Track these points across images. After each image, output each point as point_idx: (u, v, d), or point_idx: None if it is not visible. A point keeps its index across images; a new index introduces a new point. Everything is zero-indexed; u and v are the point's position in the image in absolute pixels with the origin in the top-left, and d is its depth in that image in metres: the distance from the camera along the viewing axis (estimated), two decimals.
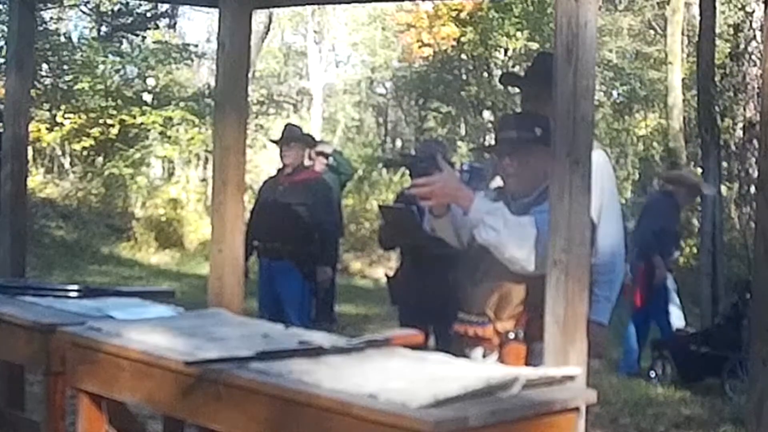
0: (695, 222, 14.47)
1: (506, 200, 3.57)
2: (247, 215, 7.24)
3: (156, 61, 19.28)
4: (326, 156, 10.44)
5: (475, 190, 4.15)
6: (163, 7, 21.39)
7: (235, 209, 4.32)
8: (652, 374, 8.51)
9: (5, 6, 14.92)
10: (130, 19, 20.78)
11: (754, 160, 15.85)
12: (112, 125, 17.60)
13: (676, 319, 8.92)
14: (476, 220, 3.32)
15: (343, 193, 12.06)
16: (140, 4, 20.63)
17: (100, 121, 17.60)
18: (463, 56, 22.43)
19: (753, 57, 17.12)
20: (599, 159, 3.60)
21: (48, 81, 18.25)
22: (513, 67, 20.64)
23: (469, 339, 3.47)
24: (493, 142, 3.83)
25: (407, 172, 5.68)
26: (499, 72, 20.56)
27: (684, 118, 19.00)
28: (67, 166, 17.39)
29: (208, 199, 11.03)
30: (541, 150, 3.41)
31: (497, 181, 3.80)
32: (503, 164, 3.55)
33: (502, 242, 3.28)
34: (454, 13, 20.72)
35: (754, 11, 17.36)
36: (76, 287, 4.13)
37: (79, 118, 17.49)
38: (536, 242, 3.22)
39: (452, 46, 21.64)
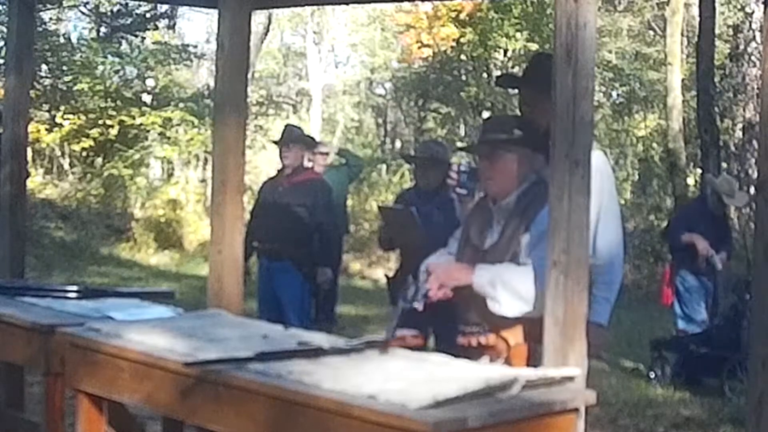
0: None
1: (489, 208, 3.58)
2: (247, 216, 7.24)
3: (155, 61, 19.28)
4: (326, 155, 10.44)
5: (473, 190, 4.17)
6: (163, 8, 21.38)
7: (234, 210, 4.32)
8: (652, 375, 8.51)
9: (4, 7, 14.92)
10: (130, 19, 20.76)
11: (753, 160, 15.84)
12: (112, 126, 17.61)
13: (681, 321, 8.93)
14: (484, 293, 3.37)
15: (350, 188, 12.13)
16: (139, 5, 20.62)
17: (100, 121, 17.60)
18: (463, 57, 22.40)
19: (752, 58, 17.11)
20: (598, 160, 3.61)
21: (47, 82, 18.25)
22: (512, 67, 20.63)
23: (474, 349, 3.47)
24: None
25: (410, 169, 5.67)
26: (499, 73, 20.55)
27: (683, 118, 19.00)
28: (66, 166, 17.39)
29: (208, 200, 11.03)
30: (520, 152, 3.46)
31: None
32: (482, 167, 3.59)
33: (504, 312, 3.33)
34: (453, 14, 20.69)
35: (753, 12, 17.36)
36: (75, 288, 4.13)
37: (79, 118, 17.49)
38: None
39: (452, 47, 21.61)
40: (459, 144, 21.49)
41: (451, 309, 3.70)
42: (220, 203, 4.31)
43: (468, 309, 3.51)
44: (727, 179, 9.35)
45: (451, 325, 3.70)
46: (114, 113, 17.67)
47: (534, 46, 20.16)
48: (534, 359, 3.29)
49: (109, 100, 17.83)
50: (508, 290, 3.30)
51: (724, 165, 16.51)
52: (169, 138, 18.31)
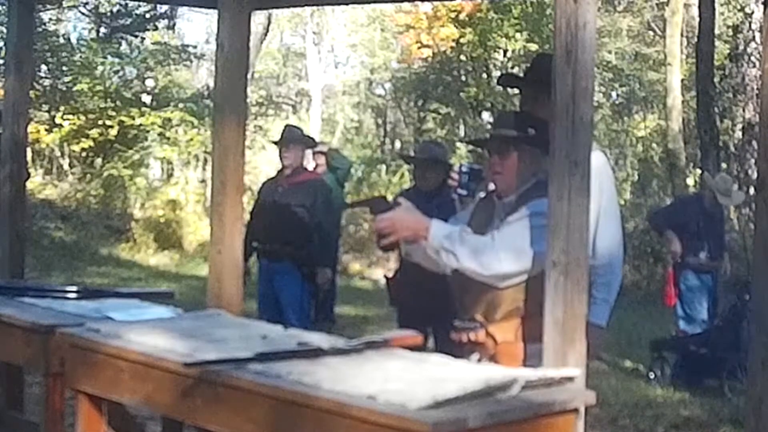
0: None
1: (494, 203, 3.59)
2: (247, 216, 7.24)
3: (155, 62, 19.28)
4: (324, 155, 10.44)
5: (474, 191, 4.16)
6: (162, 9, 21.38)
7: (234, 210, 4.32)
8: (651, 375, 8.51)
9: (4, 7, 14.92)
10: (129, 20, 20.76)
11: (753, 161, 15.83)
12: (111, 126, 17.60)
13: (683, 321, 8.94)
14: (436, 248, 3.38)
15: (344, 191, 12.01)
16: (139, 6, 20.62)
17: (99, 122, 17.59)
18: (462, 57, 22.41)
19: (752, 58, 17.11)
20: (598, 160, 3.61)
21: (47, 82, 18.25)
22: (512, 68, 20.63)
23: (465, 345, 3.48)
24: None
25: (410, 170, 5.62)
26: (499, 73, 20.56)
27: (683, 119, 19.01)
28: (66, 167, 17.38)
29: (207, 201, 10.98)
30: (530, 150, 3.47)
31: None
32: (492, 161, 3.59)
33: (463, 264, 3.35)
34: (453, 15, 20.70)
35: (753, 12, 17.35)
36: (75, 288, 4.13)
37: (78, 119, 17.49)
38: (500, 252, 3.30)
39: (451, 48, 21.62)
40: (460, 144, 21.54)
41: (447, 306, 3.71)
42: (219, 204, 4.31)
43: (462, 304, 3.52)
44: (723, 178, 9.39)
45: (447, 322, 3.71)
46: (114, 114, 17.66)
47: (534, 47, 20.17)
48: (528, 359, 3.29)
49: (108, 100, 17.82)
50: (467, 247, 3.33)
51: (723, 165, 16.51)
52: (168, 138, 18.30)
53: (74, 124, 17.43)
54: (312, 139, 8.28)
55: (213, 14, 4.57)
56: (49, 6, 18.78)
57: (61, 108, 17.66)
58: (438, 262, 3.46)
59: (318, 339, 3.20)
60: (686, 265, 8.81)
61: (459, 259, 3.34)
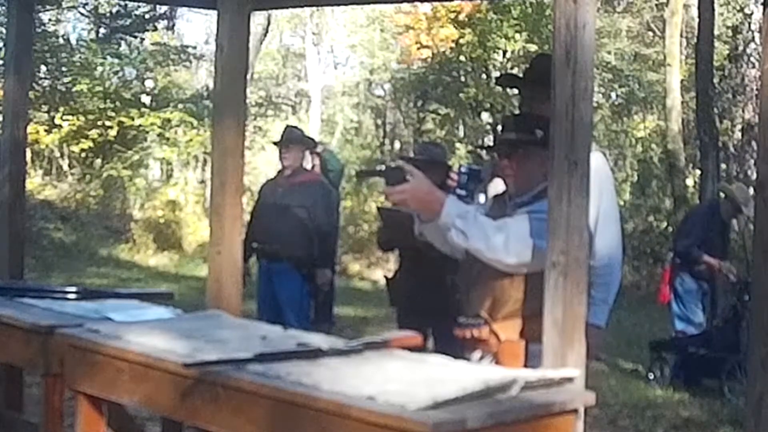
0: None
1: (504, 203, 3.59)
2: (246, 217, 7.24)
3: (154, 62, 19.30)
4: (318, 155, 10.42)
5: (473, 192, 4.16)
6: (162, 9, 21.38)
7: (233, 211, 4.32)
8: (651, 376, 8.52)
9: (3, 8, 14.92)
10: (129, 20, 20.76)
11: (752, 161, 15.86)
12: (111, 127, 17.62)
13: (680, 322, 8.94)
14: (448, 225, 3.33)
15: (340, 191, 11.92)
16: (138, 6, 20.62)
17: (99, 122, 17.61)
18: (462, 58, 22.40)
19: (752, 59, 17.14)
20: (597, 161, 3.61)
21: (46, 83, 18.26)
22: (512, 68, 20.64)
23: (467, 342, 3.48)
24: (492, 143, 3.86)
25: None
26: (498, 74, 20.55)
27: (683, 119, 19.03)
28: (65, 167, 17.39)
29: (207, 201, 10.98)
30: (540, 152, 3.45)
31: (495, 183, 3.81)
32: (502, 165, 3.58)
33: (472, 245, 3.31)
34: (452, 15, 20.72)
35: (752, 13, 17.39)
36: (74, 289, 4.12)
37: (78, 119, 17.50)
38: (510, 241, 3.26)
39: (451, 48, 21.63)
40: (459, 144, 21.56)
41: (447, 306, 3.70)
42: (219, 204, 4.31)
43: (467, 300, 3.52)
44: (741, 188, 9.36)
45: (447, 322, 3.70)
46: (113, 114, 17.68)
47: (533, 47, 20.18)
48: (529, 359, 3.29)
49: (108, 101, 17.84)
50: (478, 228, 3.29)
51: (723, 166, 16.53)
52: (168, 139, 18.32)
53: (74, 124, 17.44)
54: (312, 139, 8.28)
55: (212, 15, 4.56)
56: (48, 6, 18.78)
57: (61, 109, 17.67)
58: (447, 240, 3.43)
59: (317, 340, 3.20)
60: (685, 269, 8.81)
61: (469, 238, 3.29)
